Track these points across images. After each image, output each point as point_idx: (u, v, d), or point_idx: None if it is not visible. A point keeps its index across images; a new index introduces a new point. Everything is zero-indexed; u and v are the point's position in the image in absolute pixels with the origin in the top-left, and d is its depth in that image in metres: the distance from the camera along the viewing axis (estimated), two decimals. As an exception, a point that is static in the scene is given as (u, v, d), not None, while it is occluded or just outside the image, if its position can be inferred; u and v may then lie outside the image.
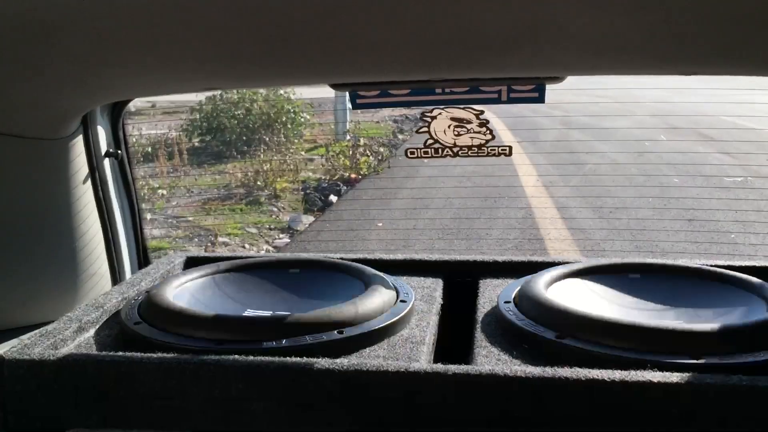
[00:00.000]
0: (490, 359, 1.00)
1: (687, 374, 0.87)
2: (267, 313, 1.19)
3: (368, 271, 1.28)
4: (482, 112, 1.21)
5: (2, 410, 1.00)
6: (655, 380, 0.86)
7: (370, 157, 7.34)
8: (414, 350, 1.04)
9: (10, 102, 1.10)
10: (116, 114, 1.46)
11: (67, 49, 0.93)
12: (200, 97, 7.98)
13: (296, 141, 8.21)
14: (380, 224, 5.34)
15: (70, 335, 1.09)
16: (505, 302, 1.16)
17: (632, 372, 0.87)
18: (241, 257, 1.42)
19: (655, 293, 1.21)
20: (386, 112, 10.32)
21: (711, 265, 1.29)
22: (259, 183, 6.67)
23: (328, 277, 1.32)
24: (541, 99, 1.14)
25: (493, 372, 0.90)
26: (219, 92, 8.08)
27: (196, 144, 8.19)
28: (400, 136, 9.23)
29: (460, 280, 1.36)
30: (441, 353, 1.12)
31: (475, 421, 0.91)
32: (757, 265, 1.31)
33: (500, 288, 1.27)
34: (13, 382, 0.99)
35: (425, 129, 1.23)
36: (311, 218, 5.83)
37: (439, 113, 1.21)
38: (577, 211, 5.33)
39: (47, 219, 1.28)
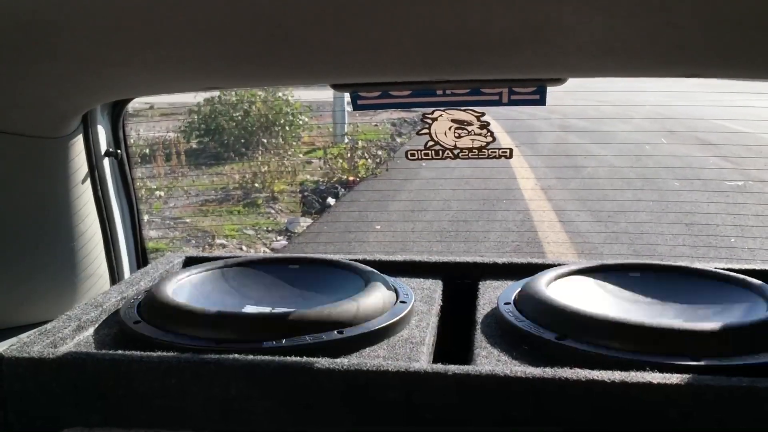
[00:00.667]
0: (490, 360, 1.00)
1: (687, 375, 0.87)
2: (266, 310, 1.19)
3: (368, 272, 1.28)
4: (483, 114, 1.22)
5: (1, 408, 0.99)
6: (655, 381, 0.86)
7: (368, 160, 7.34)
8: (414, 351, 1.04)
9: (11, 100, 1.10)
10: (116, 113, 1.46)
11: (68, 47, 0.93)
12: (198, 98, 7.98)
13: (294, 143, 8.21)
14: (378, 227, 5.34)
15: (69, 334, 1.08)
16: (505, 303, 1.17)
17: (632, 373, 0.87)
18: (240, 257, 1.42)
19: (655, 292, 1.22)
20: (384, 115, 10.32)
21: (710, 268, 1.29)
22: (257, 185, 6.66)
23: (328, 274, 1.32)
24: (542, 101, 1.14)
25: (493, 372, 0.90)
26: (217, 94, 8.07)
27: (194, 146, 8.18)
28: (398, 139, 9.23)
29: (460, 282, 1.36)
30: (441, 354, 1.12)
31: (475, 422, 0.91)
32: (756, 268, 1.31)
33: (500, 290, 1.27)
34: (12, 380, 0.98)
35: (426, 131, 1.23)
36: (309, 221, 5.83)
37: (440, 115, 1.22)
38: (576, 214, 5.34)
39: (46, 218, 1.27)
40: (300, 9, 0.80)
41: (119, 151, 1.48)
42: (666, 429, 0.87)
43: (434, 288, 1.31)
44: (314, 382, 0.93)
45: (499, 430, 0.90)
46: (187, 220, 5.74)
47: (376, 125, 9.99)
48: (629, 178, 5.97)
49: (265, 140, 7.83)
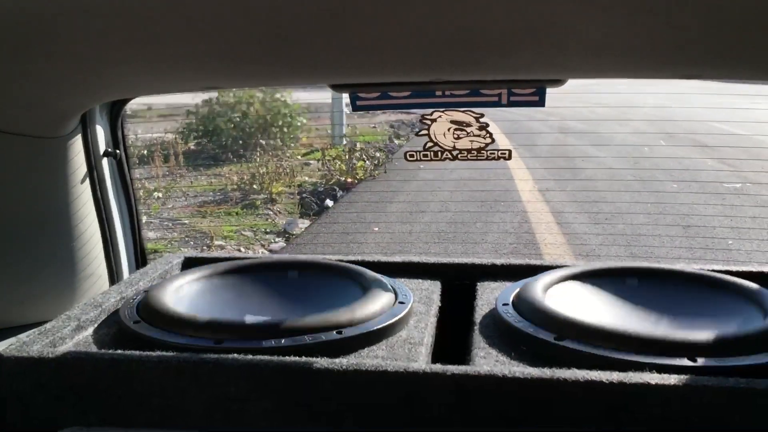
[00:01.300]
0: (488, 360, 1.00)
1: (684, 376, 0.87)
2: (266, 310, 1.19)
3: (366, 273, 1.28)
4: (482, 115, 1.22)
5: (0, 408, 0.99)
6: (653, 382, 0.86)
7: (366, 162, 7.34)
8: (412, 351, 1.04)
9: (9, 100, 1.10)
10: (115, 113, 1.46)
11: (66, 46, 0.93)
12: (196, 99, 7.98)
13: (292, 145, 8.21)
14: (376, 229, 5.35)
15: (68, 334, 1.08)
16: (504, 304, 1.17)
17: (630, 374, 0.88)
18: (239, 258, 1.42)
19: (652, 299, 1.22)
20: (383, 116, 10.33)
21: (707, 270, 1.30)
22: (255, 187, 6.67)
23: (326, 275, 1.32)
24: (541, 102, 1.15)
25: (492, 373, 0.90)
26: (215, 95, 8.07)
27: (192, 147, 8.18)
28: (397, 141, 9.24)
29: (458, 283, 1.36)
30: (439, 355, 1.12)
31: (473, 422, 0.91)
32: (753, 270, 1.32)
33: (498, 291, 1.27)
34: (11, 379, 0.98)
35: (425, 132, 1.23)
36: (307, 222, 5.83)
37: (439, 116, 1.22)
38: (573, 216, 5.35)
39: (45, 217, 1.27)
40: (299, 9, 0.80)
41: (118, 151, 1.48)
42: (664, 429, 0.87)
43: (433, 289, 1.31)
44: (313, 382, 0.93)
45: (497, 431, 0.90)
46: (186, 222, 5.74)
47: (374, 127, 10.01)
48: (627, 180, 5.98)
49: (263, 142, 7.83)
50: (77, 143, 1.32)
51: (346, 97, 1.17)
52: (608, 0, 0.76)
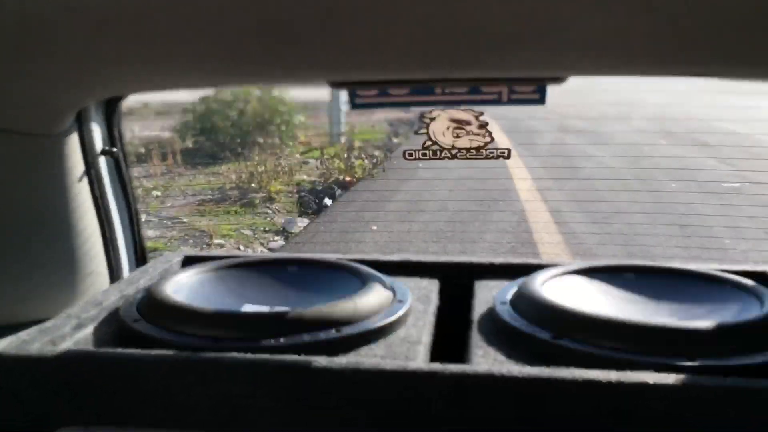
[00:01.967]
0: (486, 359, 1.00)
1: (683, 375, 0.87)
2: (265, 309, 1.19)
3: (365, 271, 1.28)
4: (481, 113, 1.22)
5: (0, 406, 0.99)
6: (652, 381, 0.86)
7: (365, 161, 7.34)
8: (411, 350, 1.04)
9: (3, 97, 1.09)
10: (111, 111, 1.45)
11: (63, 43, 0.92)
12: (193, 97, 7.97)
13: (291, 143, 8.20)
14: (375, 227, 5.35)
15: (68, 332, 1.08)
16: (502, 303, 1.17)
17: (629, 373, 0.88)
18: (239, 256, 1.42)
19: (650, 298, 1.22)
20: (381, 115, 10.32)
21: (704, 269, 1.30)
22: (253, 185, 6.66)
23: (325, 274, 1.32)
24: (542, 100, 1.14)
25: (490, 372, 0.90)
26: (212, 93, 8.06)
27: (190, 145, 8.17)
28: (395, 140, 9.23)
29: (456, 281, 1.36)
30: (437, 354, 1.12)
31: (471, 421, 0.91)
32: (748, 269, 1.32)
33: (496, 289, 1.27)
34: (11, 377, 0.98)
35: (424, 130, 1.23)
36: (306, 221, 5.82)
37: (438, 114, 1.22)
38: (571, 216, 5.35)
39: (44, 215, 1.27)
40: (298, 6, 0.80)
41: (115, 149, 1.47)
42: (662, 429, 0.87)
43: (431, 287, 1.31)
44: (312, 381, 0.93)
45: (495, 429, 0.90)
46: (184, 220, 5.74)
47: (372, 125, 10.00)
48: (626, 180, 5.98)
49: (261, 140, 7.82)
50: (73, 141, 1.32)
51: (344, 95, 1.17)
52: None
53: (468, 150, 1.22)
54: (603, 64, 1.01)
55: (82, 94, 1.23)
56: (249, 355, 0.94)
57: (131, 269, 1.55)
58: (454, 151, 1.22)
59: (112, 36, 0.89)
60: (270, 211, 6.09)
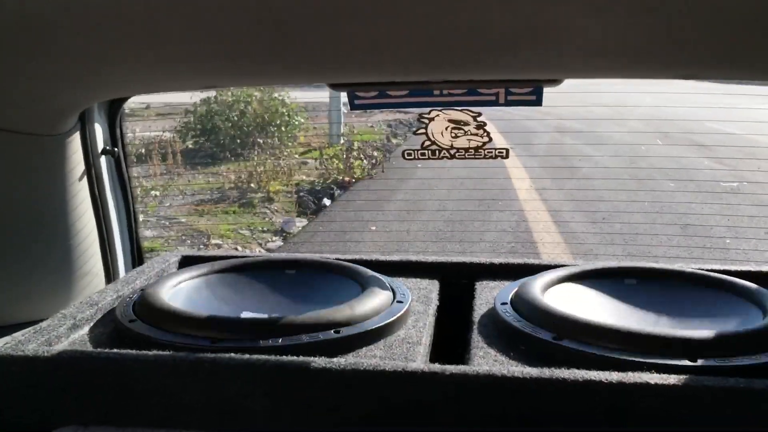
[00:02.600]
0: (487, 360, 1.00)
1: (684, 376, 0.87)
2: (263, 310, 1.19)
3: (365, 272, 1.28)
4: (479, 114, 1.22)
5: None
6: (653, 382, 0.86)
7: (364, 161, 7.34)
8: (411, 351, 1.04)
9: (8, 97, 1.10)
10: (114, 111, 1.46)
11: (66, 44, 0.92)
12: (194, 98, 7.97)
13: (290, 144, 8.20)
14: (374, 228, 5.34)
15: (64, 332, 1.08)
16: (502, 304, 1.17)
17: (629, 374, 0.87)
18: (236, 257, 1.41)
19: (651, 299, 1.22)
20: (380, 116, 10.32)
21: (705, 269, 1.30)
22: (252, 185, 6.66)
23: (324, 274, 1.32)
24: (538, 102, 1.15)
25: (491, 372, 0.90)
26: (213, 94, 8.06)
27: (190, 146, 8.16)
28: (394, 140, 9.23)
29: (456, 282, 1.36)
30: (437, 354, 1.12)
31: (472, 422, 0.91)
32: (752, 270, 1.32)
33: (496, 290, 1.27)
34: (7, 378, 0.98)
35: (423, 131, 1.23)
36: (304, 221, 5.82)
37: (437, 115, 1.22)
38: (570, 216, 5.35)
39: (42, 215, 1.27)
40: (298, 8, 0.80)
41: (116, 149, 1.48)
42: (663, 430, 0.87)
43: (431, 288, 1.31)
44: (311, 382, 0.92)
45: (496, 431, 0.90)
46: (183, 220, 5.74)
47: (371, 126, 9.99)
48: (624, 180, 5.99)
49: (261, 141, 7.82)
50: (75, 141, 1.32)
51: (344, 96, 1.17)
52: (605, 1, 0.76)
53: (466, 150, 1.22)
54: (598, 66, 1.01)
55: (86, 95, 1.23)
56: (246, 356, 0.94)
57: (128, 269, 1.55)
58: (452, 151, 1.23)
59: (117, 37, 0.89)
60: (268, 212, 6.09)
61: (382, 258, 1.44)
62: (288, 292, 1.28)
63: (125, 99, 1.46)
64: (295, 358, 0.94)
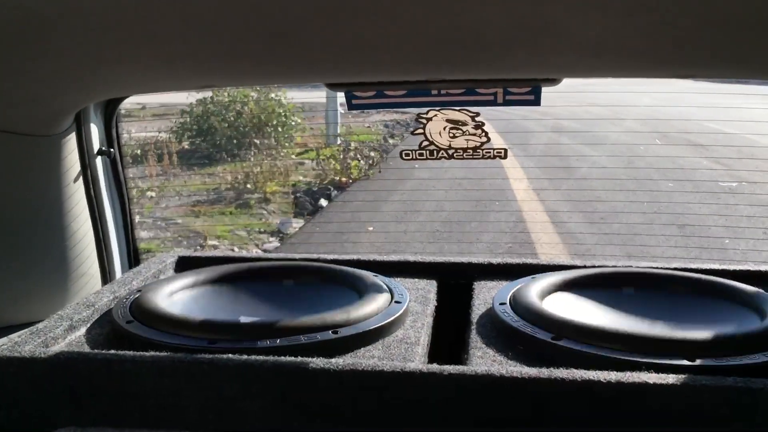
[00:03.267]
0: (485, 360, 1.00)
1: (682, 376, 0.87)
2: (261, 310, 1.19)
3: (362, 272, 1.27)
4: (477, 114, 1.22)
5: None
6: (651, 381, 0.86)
7: (361, 161, 7.34)
8: (409, 351, 1.03)
9: (3, 97, 1.09)
10: (110, 112, 1.45)
11: (62, 45, 0.92)
12: (190, 99, 7.96)
13: (287, 144, 8.20)
14: (371, 228, 5.34)
15: (60, 333, 1.07)
16: (501, 304, 1.16)
17: (628, 373, 0.87)
18: (233, 258, 1.41)
19: (650, 300, 1.21)
20: (377, 116, 10.32)
21: (703, 270, 1.29)
22: (249, 186, 6.65)
23: (322, 275, 1.31)
24: (536, 101, 1.14)
25: (489, 373, 0.89)
26: (210, 95, 8.05)
27: (186, 146, 8.15)
28: (391, 141, 9.23)
29: (454, 282, 1.36)
30: (436, 355, 1.12)
31: (470, 422, 0.90)
32: (750, 269, 1.32)
33: (495, 290, 1.27)
34: (3, 379, 0.97)
35: (421, 131, 1.22)
36: (301, 222, 5.82)
37: (435, 115, 1.21)
38: (568, 216, 5.35)
39: (38, 216, 1.26)
40: (296, 7, 0.79)
41: (112, 150, 1.47)
42: (662, 429, 0.87)
43: (429, 288, 1.30)
44: (309, 383, 0.92)
45: (495, 431, 0.90)
46: (179, 221, 5.72)
47: (368, 126, 9.99)
48: (621, 180, 5.99)
49: (257, 141, 7.81)
50: (71, 141, 1.31)
51: (341, 97, 1.17)
52: (603, 0, 0.76)
53: (465, 150, 1.22)
54: (596, 66, 1.01)
55: (82, 95, 1.23)
56: (244, 357, 0.94)
57: (124, 270, 1.54)
58: (450, 152, 1.22)
59: (113, 38, 0.89)
60: (265, 212, 6.08)
61: (380, 258, 1.43)
62: (286, 293, 1.27)
63: (121, 99, 1.45)
64: (293, 358, 0.93)
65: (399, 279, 1.33)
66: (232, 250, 5.07)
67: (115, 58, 0.98)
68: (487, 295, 1.26)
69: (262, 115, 8.08)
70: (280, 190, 6.61)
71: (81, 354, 0.98)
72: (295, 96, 8.51)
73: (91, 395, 0.97)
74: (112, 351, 0.98)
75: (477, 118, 1.22)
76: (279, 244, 5.24)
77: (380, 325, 1.08)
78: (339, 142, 8.33)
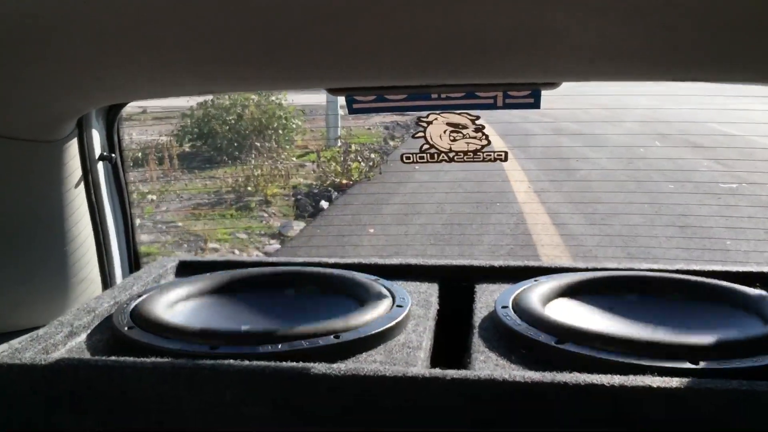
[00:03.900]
0: (488, 364, 0.99)
1: (686, 379, 0.86)
2: (262, 313, 1.18)
3: (363, 276, 1.27)
4: (478, 117, 1.21)
5: None
6: (655, 385, 0.85)
7: (361, 164, 7.34)
8: (411, 355, 1.03)
9: (5, 103, 1.09)
10: (111, 117, 1.45)
11: (64, 51, 0.92)
12: (191, 102, 7.96)
13: (287, 147, 8.20)
14: (372, 230, 5.34)
15: (61, 340, 1.07)
16: (503, 307, 1.16)
17: (631, 377, 0.87)
18: (234, 261, 1.41)
19: (653, 304, 1.21)
20: (377, 118, 10.32)
21: (706, 272, 1.29)
22: (249, 189, 6.65)
23: (322, 277, 1.31)
24: (536, 105, 1.14)
25: (492, 377, 0.89)
26: (210, 98, 8.05)
27: (187, 150, 8.16)
28: (391, 143, 9.23)
29: (456, 285, 1.35)
30: (438, 358, 1.11)
31: (473, 427, 0.90)
32: (753, 270, 1.31)
33: (497, 293, 1.26)
34: (4, 386, 0.97)
35: (421, 134, 1.22)
36: (302, 224, 5.81)
37: (435, 118, 1.21)
38: (569, 217, 5.35)
39: (39, 222, 1.26)
40: (296, 13, 0.79)
41: (113, 155, 1.47)
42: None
43: (430, 291, 1.30)
44: (310, 388, 0.92)
45: None
46: (180, 224, 5.72)
47: (369, 129, 10.00)
48: (622, 181, 5.99)
49: (258, 144, 7.82)
50: (73, 147, 1.31)
51: (341, 99, 1.17)
52: (602, 4, 0.76)
53: (465, 153, 1.22)
54: (595, 69, 1.01)
55: (84, 101, 1.23)
56: (246, 363, 0.94)
57: (124, 275, 1.54)
58: (451, 154, 1.22)
59: (115, 44, 0.89)
60: (266, 215, 6.08)
61: (381, 261, 1.43)
62: (287, 297, 1.27)
63: (123, 105, 1.45)
64: (294, 364, 0.93)
65: (400, 282, 1.32)
66: (233, 253, 5.07)
67: (117, 64, 0.98)
68: (489, 299, 1.25)
69: (262, 118, 8.08)
70: (280, 193, 6.61)
71: (82, 360, 0.98)
72: (296, 99, 8.51)
73: (92, 402, 0.96)
74: (113, 357, 0.98)
75: (477, 121, 1.22)
76: (280, 247, 5.24)
77: (382, 329, 1.08)
78: (339, 144, 8.33)
